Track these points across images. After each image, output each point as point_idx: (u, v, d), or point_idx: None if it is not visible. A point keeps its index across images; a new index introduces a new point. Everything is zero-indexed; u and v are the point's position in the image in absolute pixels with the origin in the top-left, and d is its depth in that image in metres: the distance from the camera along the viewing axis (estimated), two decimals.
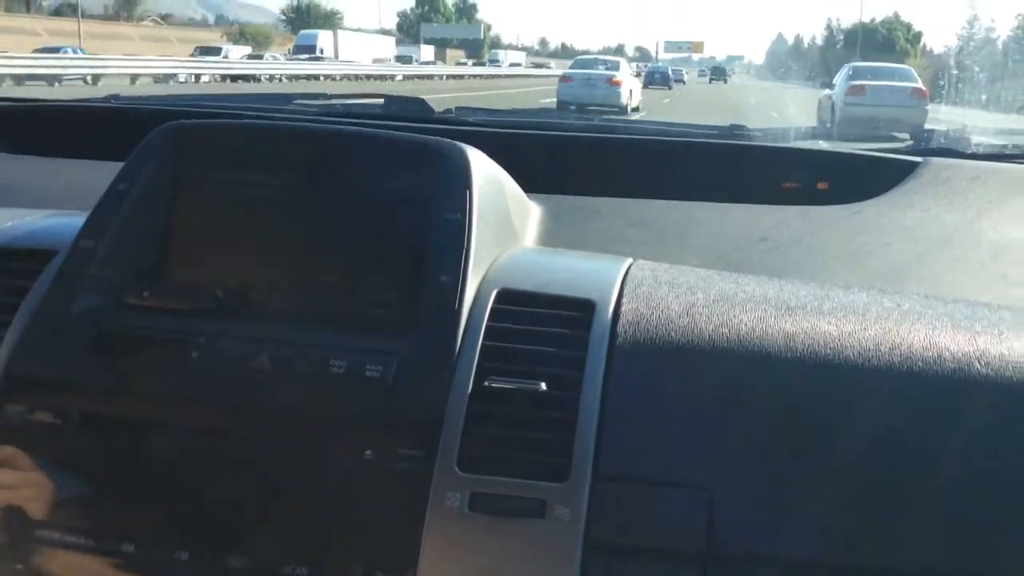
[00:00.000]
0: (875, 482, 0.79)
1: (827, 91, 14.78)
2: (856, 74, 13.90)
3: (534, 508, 0.78)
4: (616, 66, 18.76)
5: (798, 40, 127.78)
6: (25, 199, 1.21)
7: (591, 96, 16.85)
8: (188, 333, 0.86)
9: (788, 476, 0.79)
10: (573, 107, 15.07)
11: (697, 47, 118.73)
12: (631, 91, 18.14)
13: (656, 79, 32.26)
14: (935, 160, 1.42)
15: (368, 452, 0.81)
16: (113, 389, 0.86)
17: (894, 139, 1.75)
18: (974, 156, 1.49)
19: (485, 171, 0.99)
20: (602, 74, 17.99)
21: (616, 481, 0.79)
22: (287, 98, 1.97)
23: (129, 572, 0.81)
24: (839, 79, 14.27)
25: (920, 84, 13.36)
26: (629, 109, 17.19)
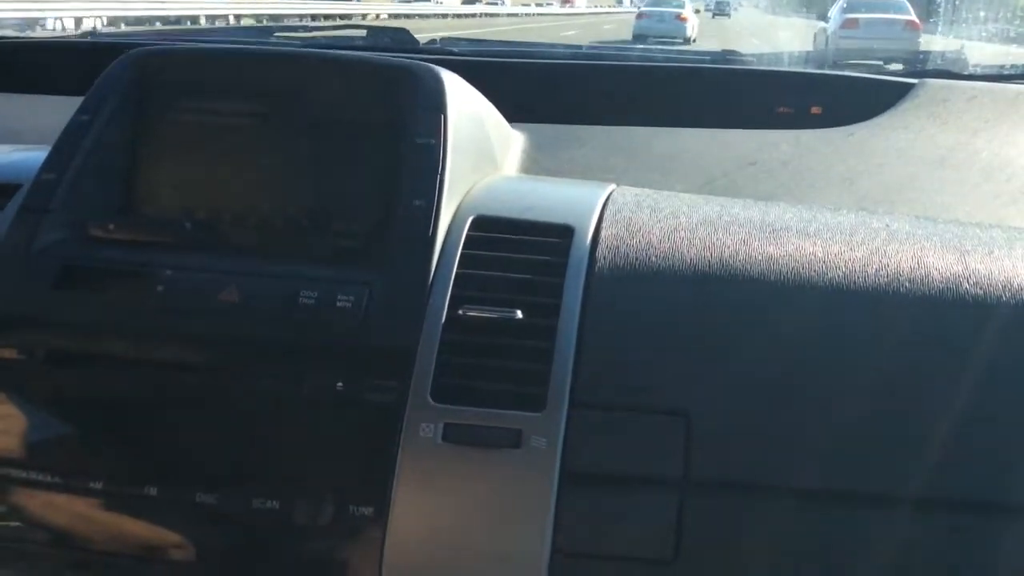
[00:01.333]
0: (859, 405, 0.77)
1: (822, 24, 14.75)
2: (850, 7, 13.90)
3: (509, 438, 0.76)
4: (682, 4, 22.37)
5: None
6: None
7: (663, 29, 19.74)
8: (154, 266, 0.84)
9: (768, 401, 0.78)
10: (648, 39, 18.42)
11: None
12: (693, 25, 21.34)
13: (719, 10, 36.95)
14: (931, 81, 1.39)
15: (339, 384, 0.79)
16: (79, 324, 0.84)
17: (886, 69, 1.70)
18: (971, 77, 1.45)
19: (462, 96, 0.95)
20: (672, 11, 21.28)
21: (593, 409, 0.78)
22: (268, 31, 1.92)
23: (98, 509, 0.80)
24: (833, 11, 14.26)
25: (913, 16, 13.36)
26: (691, 40, 19.77)
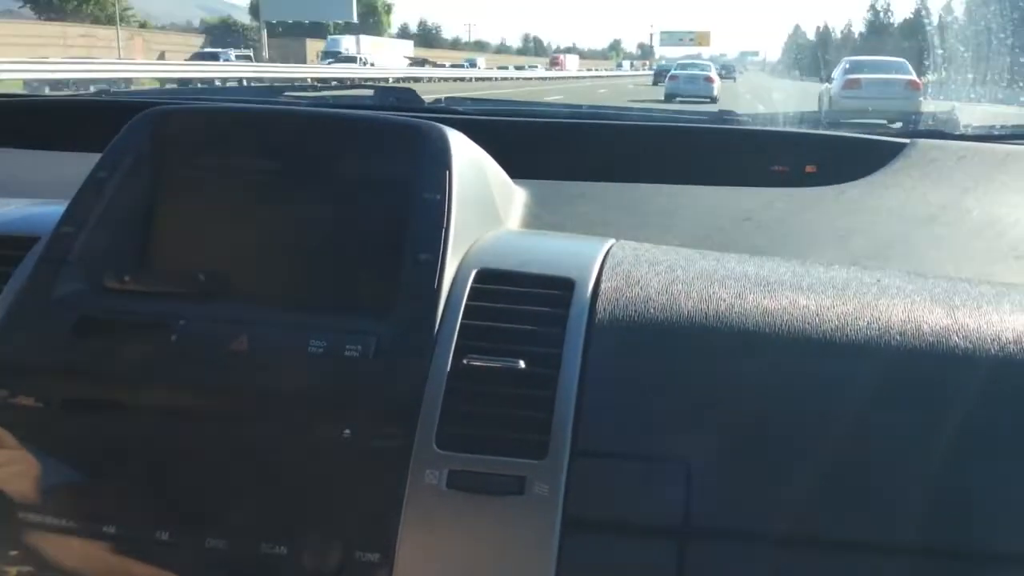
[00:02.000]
0: (853, 457, 0.79)
1: (826, 85, 15.06)
2: (852, 68, 14.16)
3: (513, 485, 0.78)
4: (708, 68, 26.15)
5: (824, 32, 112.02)
6: (10, 190, 1.22)
7: (692, 90, 22.76)
8: (168, 316, 0.87)
9: (766, 451, 0.79)
10: (678, 99, 21.11)
11: (702, 39, 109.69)
12: (717, 86, 24.16)
13: (726, 73, 39.42)
14: (922, 141, 1.42)
15: (347, 431, 0.81)
16: (94, 372, 0.86)
17: (886, 128, 1.74)
18: (961, 137, 1.49)
19: (467, 153, 0.99)
20: (700, 74, 24.57)
21: (594, 457, 0.80)
22: (277, 91, 1.97)
23: (110, 553, 0.82)
24: (836, 73, 14.54)
25: (914, 76, 13.63)
26: (716, 99, 22.09)
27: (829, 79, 15.27)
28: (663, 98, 21.90)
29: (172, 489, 0.83)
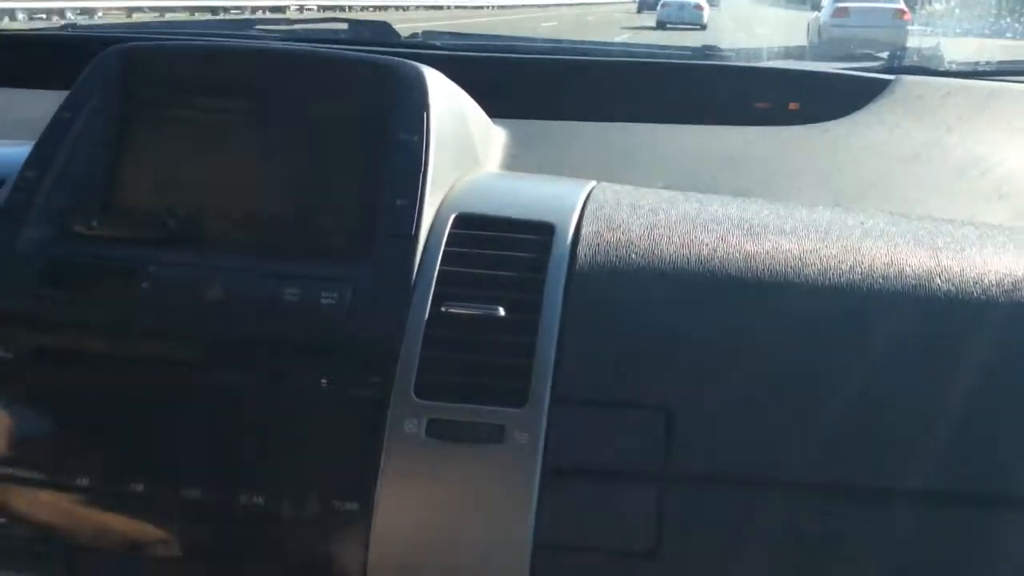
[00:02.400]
0: (833, 400, 0.79)
1: (815, 13, 15.10)
2: None
3: (492, 434, 0.78)
4: None
5: None
6: None
7: (683, 16, 23.88)
8: (138, 262, 0.84)
9: (747, 395, 0.79)
10: (669, 25, 22.59)
11: None
12: (707, 13, 25.30)
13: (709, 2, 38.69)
14: (907, 78, 1.40)
15: (324, 380, 0.80)
16: (63, 321, 0.84)
17: (873, 58, 1.72)
18: (946, 73, 1.47)
19: (444, 93, 0.96)
20: (690, 2, 25.43)
21: (574, 404, 0.79)
22: (248, 24, 1.91)
23: (83, 505, 0.81)
24: (825, 1, 14.59)
25: (902, 5, 13.66)
26: (705, 26, 22.99)
27: (819, 7, 15.28)
28: (654, 25, 23.15)
29: (145, 439, 0.82)
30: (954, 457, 0.78)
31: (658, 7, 26.04)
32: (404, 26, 1.82)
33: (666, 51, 1.79)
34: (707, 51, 1.71)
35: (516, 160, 1.16)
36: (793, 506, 0.79)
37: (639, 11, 34.94)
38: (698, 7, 24.97)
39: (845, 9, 13.25)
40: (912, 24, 12.96)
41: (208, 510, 0.80)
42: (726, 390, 0.79)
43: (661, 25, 23.08)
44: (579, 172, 1.09)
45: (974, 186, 1.15)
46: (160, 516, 0.81)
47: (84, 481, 0.81)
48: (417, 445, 0.78)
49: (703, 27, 22.49)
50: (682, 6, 24.83)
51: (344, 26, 1.90)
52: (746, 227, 0.89)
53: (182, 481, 0.80)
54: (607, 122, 1.34)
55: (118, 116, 0.92)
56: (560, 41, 1.95)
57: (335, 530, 0.79)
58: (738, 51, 1.78)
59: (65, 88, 0.97)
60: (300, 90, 0.93)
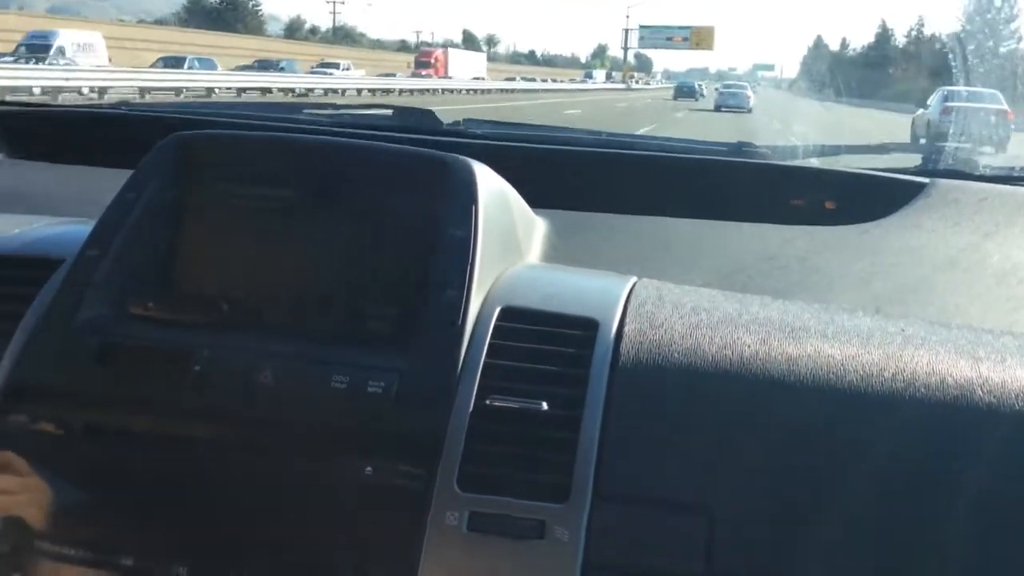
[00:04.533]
0: (876, 510, 0.78)
1: (920, 111, 16.11)
2: (949, 96, 15.19)
3: (533, 529, 0.78)
4: (746, 87, 38.03)
5: (846, 45, 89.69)
6: (33, 206, 1.22)
7: (735, 102, 32.71)
8: (192, 345, 0.87)
9: (789, 500, 0.79)
10: (723, 108, 31.09)
11: (701, 37, 78.65)
12: (751, 99, 34.52)
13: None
14: (942, 182, 1.42)
15: (368, 469, 0.81)
16: (116, 400, 0.86)
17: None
18: (981, 178, 1.49)
19: (491, 186, 0.99)
20: (740, 92, 35.23)
21: (616, 502, 0.79)
22: (297, 108, 1.97)
23: None
24: (934, 100, 15.70)
25: (1005, 106, 14.43)
26: (751, 109, 31.24)
27: (925, 106, 16.23)
28: (713, 108, 31.48)
29: (190, 522, 0.83)
30: (1002, 572, 0.77)
31: (716, 95, 35.69)
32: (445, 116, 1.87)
33: (703, 146, 1.82)
34: (743, 147, 1.74)
35: (556, 251, 1.18)
36: None
37: (675, 98, 43.90)
38: (746, 96, 33.95)
39: (951, 108, 14.01)
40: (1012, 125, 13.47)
41: None
42: (769, 495, 0.79)
43: (718, 108, 31.43)
44: (618, 264, 1.11)
45: (1012, 293, 1.15)
46: None
47: (128, 561, 0.81)
48: (458, 537, 0.78)
49: (749, 110, 30.36)
50: (734, 95, 33.99)
51: (389, 112, 1.96)
52: (788, 330, 0.90)
53: (225, 566, 0.81)
54: (645, 215, 1.36)
55: (176, 201, 0.95)
56: (599, 132, 1.98)
57: None
58: (774, 148, 1.80)
59: (119, 167, 1.00)
60: (350, 180, 0.96)
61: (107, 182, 1.01)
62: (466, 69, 53.51)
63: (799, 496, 0.79)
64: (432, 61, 51.63)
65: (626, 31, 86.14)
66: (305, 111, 1.91)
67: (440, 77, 46.05)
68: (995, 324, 1.00)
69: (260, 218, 0.95)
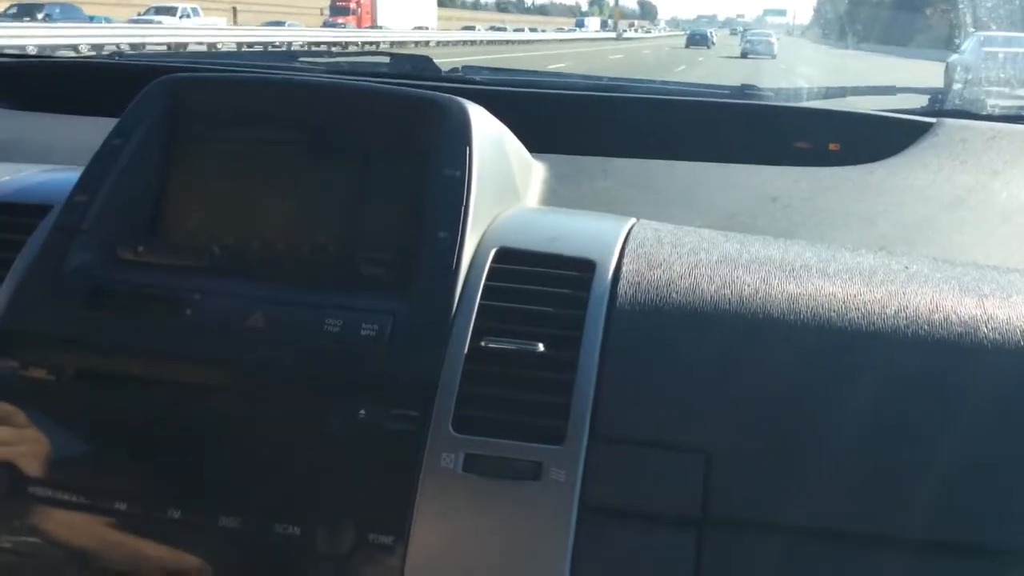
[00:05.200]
0: (877, 448, 0.77)
1: (956, 55, 15.72)
2: (986, 41, 14.83)
3: (529, 470, 0.77)
4: (770, 35, 38.23)
5: None
6: (24, 155, 1.21)
7: (760, 49, 33.11)
8: (183, 290, 0.86)
9: (787, 441, 0.78)
10: (750, 55, 31.77)
11: None
12: (776, 46, 34.90)
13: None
14: (949, 121, 1.40)
15: (362, 412, 0.80)
16: (107, 345, 0.85)
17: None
18: (989, 117, 1.46)
19: (487, 128, 0.97)
20: (765, 39, 35.59)
21: (613, 443, 0.78)
22: (292, 56, 1.95)
23: (121, 530, 0.81)
24: (969, 45, 15.30)
25: None
26: (775, 56, 31.94)
27: (958, 51, 15.83)
28: (739, 55, 32.78)
29: (183, 466, 0.83)
30: (997, 509, 0.76)
31: (742, 42, 36.57)
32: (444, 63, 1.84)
33: (705, 89, 1.79)
34: (746, 90, 1.71)
35: (555, 195, 1.16)
36: (834, 556, 0.77)
37: (687, 46, 43.51)
38: (770, 43, 34.61)
39: (992, 53, 13.74)
40: None
41: (244, 539, 0.80)
42: (767, 435, 0.78)
43: (744, 55, 32.35)
44: (618, 208, 1.09)
45: (1020, 232, 1.13)
46: (196, 544, 0.81)
47: (121, 506, 0.81)
48: (453, 480, 0.78)
49: (774, 56, 31.32)
50: (760, 42, 34.79)
51: (386, 59, 1.93)
52: (788, 269, 0.88)
53: (219, 509, 0.80)
54: (645, 159, 1.34)
55: (166, 145, 0.94)
56: (600, 77, 1.95)
57: (370, 562, 0.79)
58: (777, 90, 1.77)
59: (113, 116, 0.99)
60: (344, 123, 0.94)
61: (100, 130, 0.99)
62: (403, 17, 42.32)
63: (797, 436, 0.78)
64: (352, 6, 39.33)
65: None
66: (300, 59, 1.88)
67: (365, 28, 36.28)
68: (1001, 262, 0.98)
69: (252, 161, 0.93)
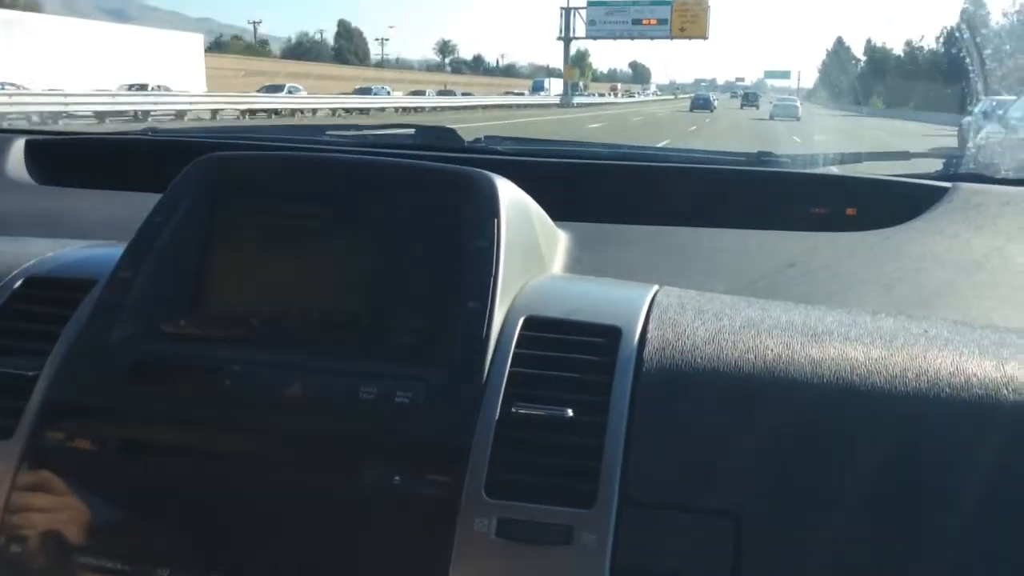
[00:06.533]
0: (902, 511, 0.78)
1: (967, 119, 15.36)
2: (998, 106, 14.69)
3: (561, 534, 0.78)
4: (795, 100, 41.70)
5: (877, 49, 71.63)
6: (65, 230, 1.25)
7: (786, 112, 34.91)
8: (223, 361, 0.88)
9: (815, 504, 0.79)
10: (776, 118, 33.27)
11: (687, 20, 53.73)
12: (800, 110, 37.23)
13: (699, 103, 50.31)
14: (964, 185, 1.42)
15: (396, 478, 0.82)
16: (150, 416, 0.88)
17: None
18: (1004, 181, 1.48)
19: (513, 199, 1.00)
20: (791, 104, 37.99)
21: (642, 507, 0.80)
22: (321, 129, 2.01)
23: None
24: (981, 108, 15.07)
25: None
26: (799, 118, 33.91)
27: (968, 113, 15.53)
28: (768, 117, 34.72)
29: (224, 536, 0.84)
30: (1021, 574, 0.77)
31: (771, 107, 38.66)
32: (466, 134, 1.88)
33: (723, 156, 1.83)
34: (763, 157, 1.75)
35: (579, 263, 1.19)
36: None
37: (691, 110, 44.26)
38: (796, 107, 37.21)
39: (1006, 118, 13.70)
40: None
41: None
42: (794, 499, 0.79)
43: (772, 117, 34.27)
44: (640, 275, 1.12)
45: None
46: None
47: (163, 573, 0.83)
48: (487, 544, 0.79)
49: (798, 119, 32.94)
50: (787, 106, 36.97)
51: (411, 131, 1.98)
52: (810, 333, 0.90)
53: None
54: (665, 226, 1.37)
55: (206, 220, 0.98)
56: (619, 146, 2.00)
57: None
58: (794, 157, 1.81)
59: (147, 190, 1.03)
60: (377, 197, 0.97)
61: (138, 205, 1.03)
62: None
63: (825, 502, 0.79)
64: None
65: (566, 10, 55.37)
66: (328, 132, 1.94)
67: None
68: (1021, 325, 1.00)
69: (288, 235, 0.97)
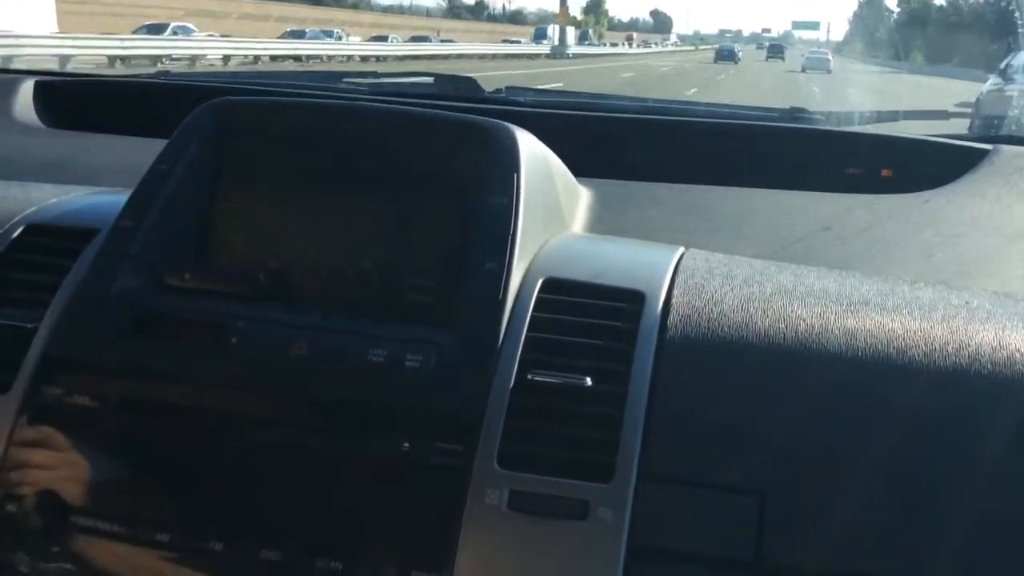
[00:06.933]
0: (939, 493, 0.74)
1: (993, 81, 14.68)
2: None
3: (576, 509, 0.75)
4: (827, 53, 41.83)
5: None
6: (70, 176, 1.21)
7: (818, 65, 34.92)
8: (228, 317, 0.85)
9: (846, 483, 0.75)
10: (808, 70, 33.04)
11: None
12: (832, 63, 36.97)
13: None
14: (1006, 148, 1.36)
15: (406, 445, 0.78)
16: (151, 373, 0.84)
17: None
18: None
19: (534, 154, 0.95)
20: (822, 57, 38.30)
21: (662, 483, 0.76)
22: (337, 77, 1.95)
23: (163, 560, 0.80)
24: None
25: None
26: (831, 71, 33.84)
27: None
28: (799, 69, 34.25)
29: (226, 497, 0.82)
30: None
31: (803, 60, 38.42)
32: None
33: (754, 112, 1.76)
34: (796, 113, 1.68)
35: (601, 222, 1.14)
36: None
37: (715, 61, 43.79)
38: (827, 59, 36.88)
39: None
40: None
41: (286, 573, 0.79)
42: (824, 477, 0.75)
43: (804, 70, 33.65)
44: (666, 235, 1.07)
45: None
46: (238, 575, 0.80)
47: (162, 536, 0.80)
48: (498, 516, 0.76)
49: (829, 72, 32.62)
50: (818, 60, 36.63)
51: (430, 80, 1.93)
52: (846, 303, 0.85)
53: (261, 542, 0.79)
54: (692, 184, 1.32)
55: (213, 169, 0.93)
56: (645, 99, 1.94)
57: None
58: (828, 114, 1.74)
59: (159, 136, 0.98)
60: (390, 148, 0.93)
61: (147, 151, 0.99)
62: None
63: (858, 481, 0.75)
64: None
65: None
66: (344, 80, 1.89)
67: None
68: None
69: (298, 187, 0.93)
